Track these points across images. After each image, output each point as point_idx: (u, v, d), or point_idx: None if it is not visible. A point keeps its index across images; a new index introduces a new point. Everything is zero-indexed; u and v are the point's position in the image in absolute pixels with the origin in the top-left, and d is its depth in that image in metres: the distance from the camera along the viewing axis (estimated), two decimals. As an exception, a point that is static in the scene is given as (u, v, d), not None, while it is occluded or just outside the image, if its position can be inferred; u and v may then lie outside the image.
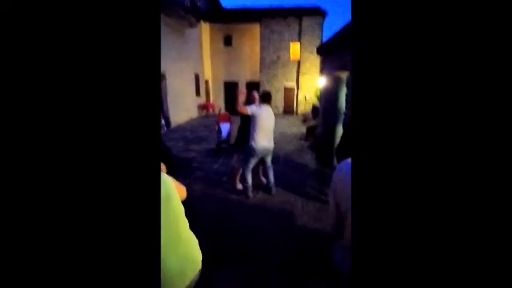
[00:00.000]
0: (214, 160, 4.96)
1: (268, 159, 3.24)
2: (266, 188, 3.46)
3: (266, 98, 3.09)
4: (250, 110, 2.95)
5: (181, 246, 1.05)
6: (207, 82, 13.78)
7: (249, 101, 3.23)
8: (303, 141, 6.70)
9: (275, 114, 3.23)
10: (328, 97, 5.44)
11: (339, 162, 1.10)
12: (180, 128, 8.97)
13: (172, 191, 1.04)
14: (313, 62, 12.54)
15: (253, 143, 3.03)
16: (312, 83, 12.48)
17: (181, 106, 9.98)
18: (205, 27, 13.14)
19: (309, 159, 5.15)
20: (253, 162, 3.17)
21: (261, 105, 3.07)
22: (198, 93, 12.04)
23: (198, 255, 1.12)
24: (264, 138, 3.04)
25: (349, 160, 1.06)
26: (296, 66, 12.88)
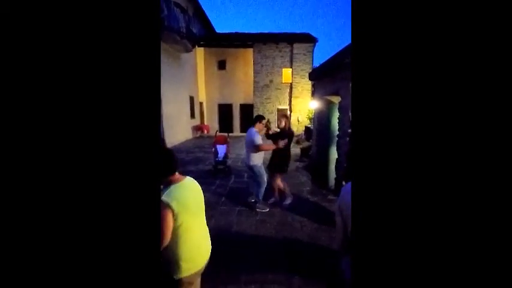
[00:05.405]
0: (212, 181, 5.00)
1: (255, 176, 3.59)
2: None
3: (253, 121, 3.55)
4: None
5: (207, 235, 1.51)
6: (201, 104, 14.03)
7: None
8: (298, 163, 6.81)
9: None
10: (320, 120, 5.65)
11: (347, 182, 1.22)
12: (175, 149, 8.99)
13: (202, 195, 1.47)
14: (305, 86, 13.03)
15: None
16: (303, 106, 12.90)
17: (176, 128, 10.07)
18: (199, 52, 13.58)
19: (305, 180, 5.24)
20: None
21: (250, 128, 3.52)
22: (192, 115, 12.21)
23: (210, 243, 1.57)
24: (245, 155, 3.62)
25: None
26: (288, 89, 13.33)
